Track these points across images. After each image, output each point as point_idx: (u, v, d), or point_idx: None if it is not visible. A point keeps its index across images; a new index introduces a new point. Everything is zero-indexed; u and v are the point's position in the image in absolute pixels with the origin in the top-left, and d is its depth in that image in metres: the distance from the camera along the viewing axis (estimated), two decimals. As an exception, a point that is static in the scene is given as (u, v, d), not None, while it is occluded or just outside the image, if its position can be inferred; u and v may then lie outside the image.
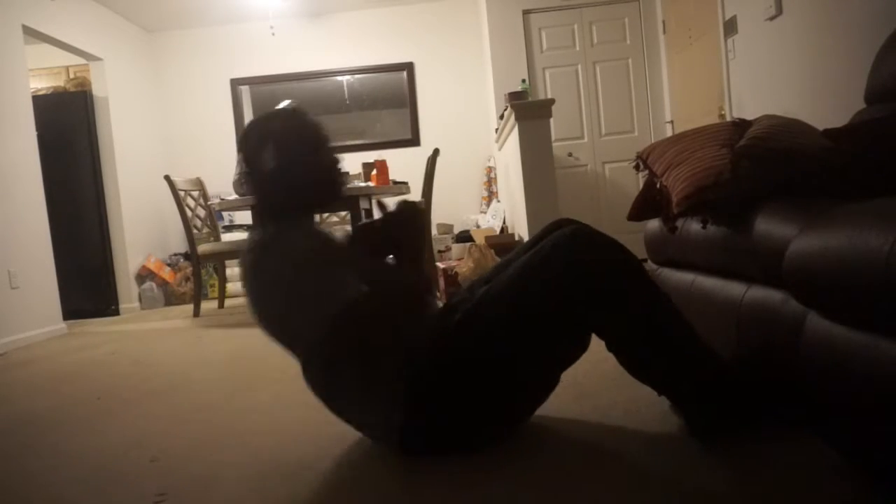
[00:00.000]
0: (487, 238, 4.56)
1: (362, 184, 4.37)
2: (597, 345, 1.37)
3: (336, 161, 1.50)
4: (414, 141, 6.18)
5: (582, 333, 1.35)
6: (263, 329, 1.43)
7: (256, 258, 1.39)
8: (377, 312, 1.37)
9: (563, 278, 1.28)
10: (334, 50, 6.15)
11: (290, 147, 1.44)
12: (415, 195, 4.80)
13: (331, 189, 1.52)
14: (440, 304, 1.50)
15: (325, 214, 5.62)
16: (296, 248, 1.38)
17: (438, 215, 5.38)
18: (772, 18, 3.23)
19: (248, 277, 1.41)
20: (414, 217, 1.47)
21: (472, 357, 1.30)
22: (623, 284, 1.30)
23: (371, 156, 5.21)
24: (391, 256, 1.49)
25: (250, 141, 1.47)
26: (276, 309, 1.39)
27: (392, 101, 6.28)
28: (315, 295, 1.34)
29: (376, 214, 1.57)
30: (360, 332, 1.34)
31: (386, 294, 1.41)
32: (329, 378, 1.39)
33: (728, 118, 3.78)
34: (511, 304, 1.31)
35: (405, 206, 1.48)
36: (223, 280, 4.88)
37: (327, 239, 1.45)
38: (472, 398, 1.31)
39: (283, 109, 1.49)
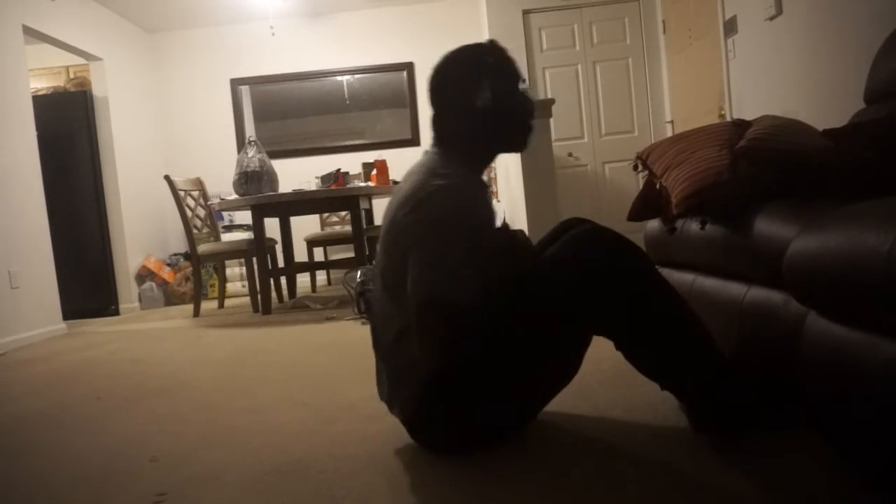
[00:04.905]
0: (487, 238, 4.55)
1: (362, 184, 4.38)
2: (596, 346, 1.37)
3: (531, 101, 1.43)
4: (414, 141, 6.17)
5: (586, 335, 1.35)
6: (376, 261, 1.34)
7: (432, 195, 1.28)
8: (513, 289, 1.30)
9: (579, 281, 1.28)
10: (334, 50, 6.15)
11: (501, 81, 1.37)
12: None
13: (528, 129, 1.43)
14: None
15: (325, 215, 5.63)
16: (476, 201, 1.32)
17: (438, 215, 5.37)
18: (772, 18, 3.23)
19: (413, 207, 1.28)
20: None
21: (500, 354, 1.29)
22: (640, 284, 1.30)
23: (371, 156, 5.22)
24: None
25: (458, 70, 1.39)
26: (427, 249, 1.26)
27: (392, 101, 6.28)
28: (474, 248, 1.26)
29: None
30: (501, 300, 1.28)
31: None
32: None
33: (728, 118, 3.78)
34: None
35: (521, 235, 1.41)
36: (223, 280, 4.88)
37: (489, 201, 1.39)
38: (493, 396, 1.31)
39: (485, 44, 1.39)
